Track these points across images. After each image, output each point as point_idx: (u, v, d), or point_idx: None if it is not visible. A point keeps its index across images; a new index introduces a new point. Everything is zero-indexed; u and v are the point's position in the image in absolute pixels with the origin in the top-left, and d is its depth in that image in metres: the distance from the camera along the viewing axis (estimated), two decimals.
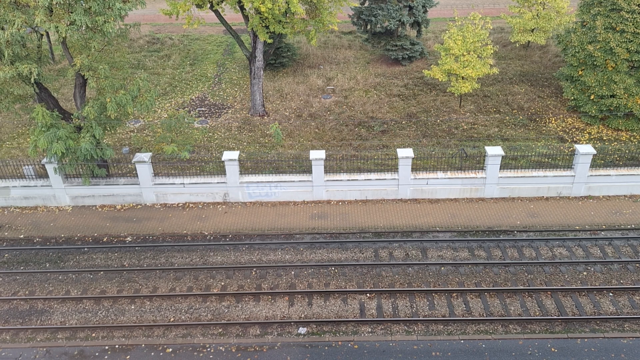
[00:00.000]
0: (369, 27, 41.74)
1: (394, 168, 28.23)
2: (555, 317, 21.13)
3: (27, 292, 23.12)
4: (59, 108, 27.24)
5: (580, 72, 32.61)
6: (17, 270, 24.11)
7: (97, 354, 20.43)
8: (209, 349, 20.51)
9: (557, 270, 23.34)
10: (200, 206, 27.85)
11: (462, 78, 32.96)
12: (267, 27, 31.72)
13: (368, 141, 32.48)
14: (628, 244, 24.59)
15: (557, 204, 27.27)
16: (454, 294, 22.37)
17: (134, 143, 32.22)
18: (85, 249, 25.29)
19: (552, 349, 20.08)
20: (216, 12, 32.83)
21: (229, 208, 27.69)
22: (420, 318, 21.29)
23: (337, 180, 27.41)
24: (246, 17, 32.73)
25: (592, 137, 32.26)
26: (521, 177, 27.28)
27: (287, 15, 31.63)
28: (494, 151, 26.71)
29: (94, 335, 21.17)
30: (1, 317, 22.02)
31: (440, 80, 33.69)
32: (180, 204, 27.98)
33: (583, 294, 22.19)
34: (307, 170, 27.94)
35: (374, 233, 25.69)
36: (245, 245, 25.24)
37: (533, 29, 39.75)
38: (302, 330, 21.12)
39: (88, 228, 26.54)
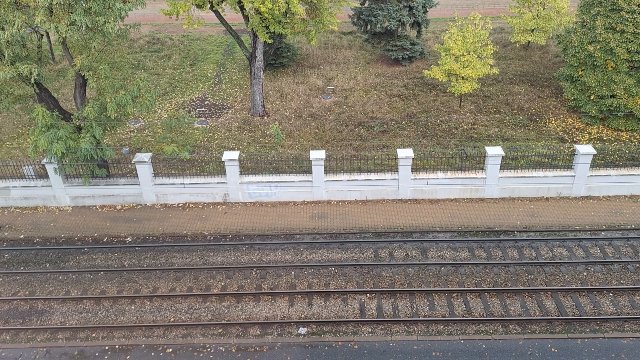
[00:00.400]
0: (369, 27, 41.76)
1: (394, 168, 28.23)
2: (555, 317, 21.13)
3: (27, 292, 23.12)
4: (59, 108, 27.24)
5: (580, 72, 32.61)
6: (17, 270, 24.11)
7: (97, 354, 20.43)
8: (209, 349, 20.51)
9: (557, 271, 23.33)
10: (200, 206, 27.86)
11: (462, 78, 32.96)
12: (267, 27, 31.73)
13: (368, 141, 32.48)
14: (628, 244, 24.58)
15: (557, 204, 27.27)
16: (454, 294, 22.37)
17: (134, 143, 32.23)
18: (86, 249, 25.29)
19: (552, 349, 20.08)
20: (216, 12, 32.84)
21: (229, 208, 27.69)
22: (421, 318, 21.28)
23: (337, 180, 27.41)
24: (246, 18, 32.74)
25: (592, 137, 32.26)
26: (521, 177, 27.28)
27: (287, 15, 31.64)
28: (494, 151, 26.71)
29: (94, 335, 21.17)
30: (1, 317, 22.02)
31: (440, 80, 33.70)
32: (181, 204, 27.98)
33: (583, 294, 22.19)
34: (307, 170, 27.94)
35: (374, 233, 25.69)
36: (245, 246, 25.24)
37: (533, 29, 39.75)
38: (302, 330, 21.12)
39: (88, 228, 26.54)
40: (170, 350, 20.52)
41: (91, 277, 23.78)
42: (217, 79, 40.97)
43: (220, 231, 26.09)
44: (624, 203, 27.20)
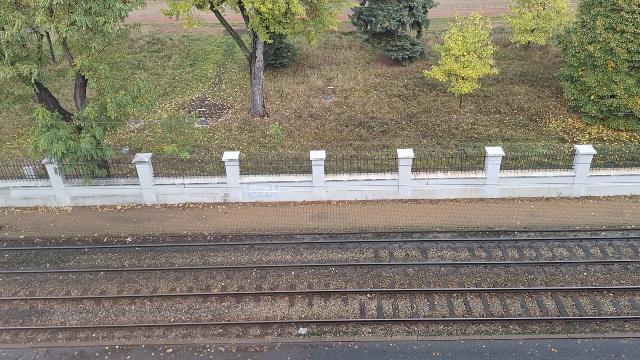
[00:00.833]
0: (369, 27, 41.76)
1: (394, 168, 28.24)
2: (555, 317, 21.12)
3: (27, 292, 23.12)
4: (59, 108, 27.24)
5: (580, 73, 32.61)
6: (17, 270, 24.11)
7: (97, 354, 20.43)
8: (209, 349, 20.51)
9: (557, 271, 23.33)
10: (200, 206, 27.86)
11: (462, 78, 32.96)
12: (267, 27, 31.73)
13: (368, 141, 32.48)
14: (628, 244, 24.58)
15: (558, 204, 27.27)
16: (454, 294, 22.37)
17: (134, 143, 32.22)
18: (86, 249, 25.29)
19: (553, 349, 20.07)
20: (216, 12, 32.84)
21: (229, 208, 27.69)
22: (421, 318, 21.28)
23: (337, 180, 27.41)
24: (246, 18, 32.74)
25: (592, 137, 32.26)
26: (521, 177, 27.28)
27: (287, 15, 31.64)
28: (494, 151, 26.71)
29: (94, 335, 21.17)
30: (1, 317, 22.02)
31: (440, 80, 33.70)
32: (181, 204, 27.98)
33: (583, 294, 22.19)
34: (308, 170, 27.94)
35: (374, 233, 25.69)
36: (245, 246, 25.24)
37: (533, 29, 39.75)
38: (303, 330, 21.12)
39: (88, 228, 26.55)
40: (171, 350, 20.52)
41: (91, 277, 23.78)
42: (217, 79, 40.97)
43: (221, 231, 26.09)
44: (624, 203, 27.20)
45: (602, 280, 22.81)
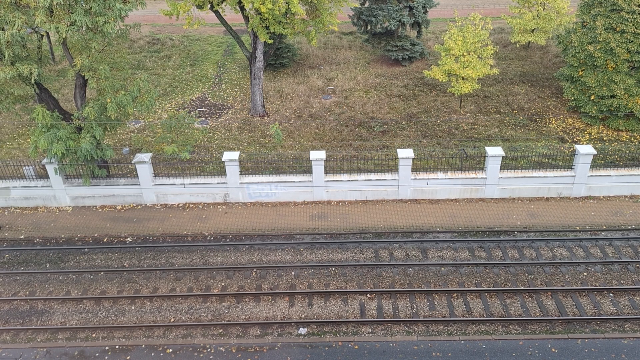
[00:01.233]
0: (369, 27, 41.75)
1: (394, 168, 28.23)
2: (555, 317, 21.12)
3: (27, 292, 23.12)
4: (59, 108, 27.24)
5: (580, 73, 32.61)
6: (17, 270, 24.12)
7: (97, 354, 20.43)
8: (209, 350, 20.51)
9: (557, 271, 23.33)
10: (200, 207, 27.86)
11: (463, 78, 32.95)
12: (267, 27, 31.73)
13: (368, 142, 32.48)
14: (628, 244, 24.58)
15: (558, 204, 27.26)
16: (455, 295, 22.37)
17: (134, 143, 32.23)
18: (86, 249, 25.29)
19: (553, 350, 20.07)
20: (216, 12, 32.85)
21: (229, 208, 27.69)
22: (421, 318, 21.28)
23: (337, 180, 27.41)
24: (246, 18, 32.75)
25: (592, 137, 32.26)
26: (521, 177, 27.27)
27: (287, 15, 31.65)
28: (494, 151, 26.70)
29: (94, 335, 21.17)
30: (2, 317, 22.03)
31: (440, 80, 33.69)
32: (181, 205, 27.98)
33: (583, 294, 22.18)
34: (308, 170, 27.94)
35: (374, 233, 25.69)
36: (245, 246, 25.24)
37: (533, 30, 39.74)
38: (303, 330, 21.11)
39: (88, 228, 26.55)
40: (171, 350, 20.52)
41: (91, 277, 23.78)
42: (217, 79, 40.98)
43: (221, 231, 26.09)
44: (624, 203, 27.20)
45: (602, 281, 22.81)
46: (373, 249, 24.86)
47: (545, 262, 23.54)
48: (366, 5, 41.12)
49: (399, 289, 22.43)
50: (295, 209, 27.50)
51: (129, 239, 25.86)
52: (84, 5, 22.54)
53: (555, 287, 22.30)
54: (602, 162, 29.46)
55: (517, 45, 42.51)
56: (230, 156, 26.79)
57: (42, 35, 27.17)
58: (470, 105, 35.93)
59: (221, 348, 20.53)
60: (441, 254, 24.43)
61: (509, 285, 22.70)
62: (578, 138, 32.24)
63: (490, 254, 24.27)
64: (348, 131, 33.61)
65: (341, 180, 27.41)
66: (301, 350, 20.34)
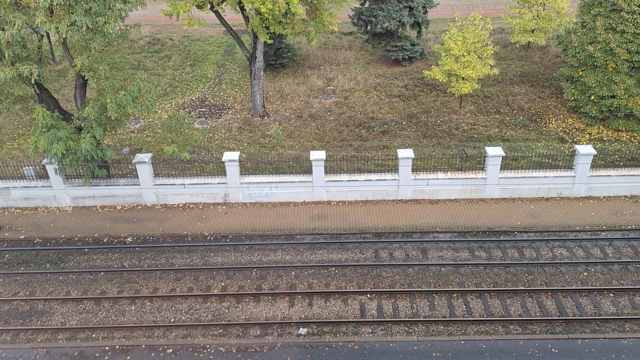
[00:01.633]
0: (369, 27, 41.75)
1: (394, 169, 28.23)
2: (555, 317, 21.12)
3: (27, 292, 23.12)
4: (59, 109, 27.24)
5: (580, 73, 32.61)
6: (17, 271, 24.12)
7: (97, 354, 20.43)
8: (209, 350, 20.51)
9: (557, 271, 23.33)
10: (200, 207, 27.86)
11: (463, 79, 32.96)
12: (267, 27, 31.74)
13: (368, 142, 32.49)
14: (628, 244, 24.58)
15: (558, 204, 27.27)
16: (455, 295, 22.36)
17: (134, 144, 32.23)
18: (86, 249, 25.29)
19: (553, 350, 20.07)
20: (216, 12, 32.85)
21: (230, 209, 27.69)
22: (421, 319, 21.28)
23: (337, 180, 27.41)
24: (246, 18, 32.75)
25: (592, 137, 32.26)
26: (521, 177, 27.28)
27: (288, 16, 31.65)
28: (495, 152, 26.71)
29: (94, 335, 21.17)
30: (2, 317, 22.03)
31: (440, 80, 33.69)
32: (181, 205, 27.98)
33: (583, 294, 22.18)
34: (308, 170, 27.94)
35: (374, 234, 25.69)
36: (245, 246, 25.24)
37: (533, 30, 39.74)
38: (303, 330, 21.11)
39: (88, 229, 26.55)
40: (171, 350, 20.51)
41: (91, 277, 23.78)
42: (217, 80, 40.98)
43: (221, 232, 26.09)
44: (624, 203, 27.20)
45: (602, 281, 22.81)
46: (373, 249, 24.86)
47: (546, 262, 23.54)
48: (366, 5, 41.12)
49: (399, 289, 22.43)
50: (295, 209, 27.50)
51: (129, 239, 25.86)
52: (84, 5, 22.54)
53: (555, 287, 22.30)
54: (602, 162, 29.46)
55: (517, 46, 42.51)
56: (231, 156, 26.79)
57: (42, 36, 27.19)
58: (470, 105, 35.93)
59: (221, 348, 20.53)
60: (441, 254, 24.43)
61: (509, 286, 22.70)
62: (578, 138, 32.24)
63: (490, 254, 24.27)
64: (348, 131, 33.62)
65: (341, 181, 27.41)
66: (301, 351, 20.34)
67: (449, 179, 27.28)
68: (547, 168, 27.91)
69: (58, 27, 22.21)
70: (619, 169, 27.40)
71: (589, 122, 33.16)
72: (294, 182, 27.43)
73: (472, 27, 32.19)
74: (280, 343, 20.64)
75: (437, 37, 46.03)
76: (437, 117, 34.59)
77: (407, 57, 40.98)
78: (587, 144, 31.08)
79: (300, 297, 22.49)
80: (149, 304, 22.40)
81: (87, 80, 25.37)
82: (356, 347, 20.43)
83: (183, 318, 21.77)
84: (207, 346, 20.63)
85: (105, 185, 27.60)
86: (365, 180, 27.35)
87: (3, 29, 23.13)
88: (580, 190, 27.53)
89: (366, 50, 44.64)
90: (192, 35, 49.06)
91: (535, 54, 42.63)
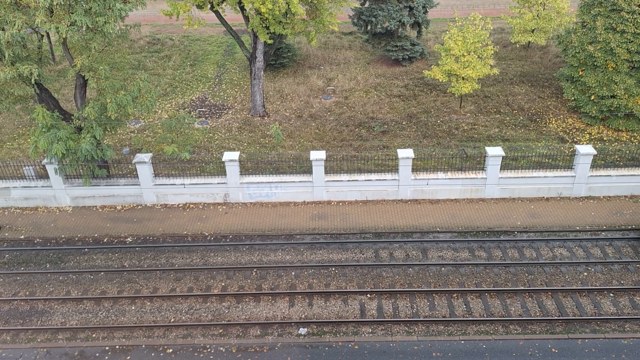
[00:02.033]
0: (369, 27, 41.75)
1: (394, 169, 28.23)
2: (555, 317, 21.12)
3: (27, 292, 23.13)
4: (59, 109, 27.24)
5: (580, 73, 32.61)
6: (17, 270, 24.12)
7: (97, 354, 20.43)
8: (209, 350, 20.51)
9: (557, 271, 23.33)
10: (200, 207, 27.86)
11: (463, 78, 32.95)
12: (267, 27, 31.74)
13: (368, 142, 32.49)
14: (629, 244, 24.57)
15: (558, 204, 27.26)
16: (455, 295, 22.36)
17: (134, 144, 32.23)
18: (86, 249, 25.29)
19: (553, 350, 20.07)
20: (217, 12, 32.85)
21: (230, 209, 27.69)
22: (421, 318, 21.28)
23: (337, 180, 27.41)
24: (246, 18, 32.75)
25: (592, 137, 32.26)
26: (522, 177, 27.27)
27: (288, 15, 31.65)
28: (495, 152, 26.70)
29: (94, 335, 21.18)
30: (2, 317, 22.03)
31: (440, 80, 33.69)
32: (181, 205, 27.98)
33: (584, 294, 22.18)
34: (308, 170, 27.94)
35: (374, 233, 25.69)
36: (245, 246, 25.24)
37: (533, 30, 39.74)
38: (303, 330, 21.11)
39: (88, 229, 26.55)
40: (171, 350, 20.51)
41: (91, 277, 23.78)
42: (217, 80, 40.98)
43: (221, 231, 26.09)
44: (625, 203, 27.19)
45: (602, 281, 22.81)
46: (373, 249, 24.86)
47: (546, 262, 23.54)
48: (366, 5, 41.12)
49: (399, 289, 22.43)
50: (295, 209, 27.50)
51: (129, 239, 25.86)
52: (84, 5, 22.54)
53: (555, 287, 22.30)
54: (602, 162, 29.45)
55: (517, 45, 42.50)
56: (231, 156, 26.79)
57: (42, 36, 27.17)
58: (470, 105, 35.93)
59: (221, 348, 20.53)
60: (441, 254, 24.43)
61: (509, 286, 22.70)
62: (578, 138, 32.24)
63: (490, 254, 24.27)
64: (348, 131, 33.61)
65: (341, 181, 27.41)
66: (301, 351, 20.34)
67: (449, 179, 27.28)
68: (547, 168, 27.91)
69: (58, 27, 22.21)
70: (619, 169, 27.40)
71: (589, 122, 33.16)
72: (294, 182, 27.43)
73: (472, 27, 32.19)
74: (281, 343, 20.64)
75: (437, 37, 46.03)
76: (437, 117, 34.59)
77: (407, 57, 40.98)
78: (587, 144, 31.07)
79: (300, 297, 22.49)
80: (149, 304, 22.40)
81: (87, 80, 25.37)
82: (356, 347, 20.43)
83: (183, 318, 21.77)
84: (207, 346, 20.63)
85: (105, 185, 27.60)
86: (365, 180, 27.35)
87: (3, 29, 23.13)
88: (580, 190, 27.53)
89: (366, 50, 44.64)
90: (192, 35, 49.06)
91: (535, 54, 42.62)
